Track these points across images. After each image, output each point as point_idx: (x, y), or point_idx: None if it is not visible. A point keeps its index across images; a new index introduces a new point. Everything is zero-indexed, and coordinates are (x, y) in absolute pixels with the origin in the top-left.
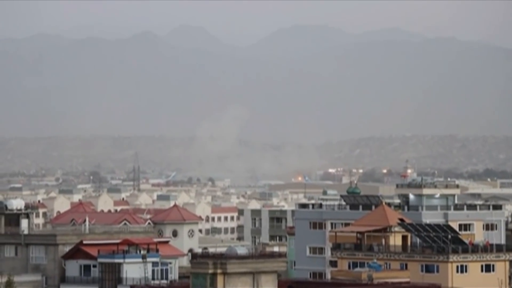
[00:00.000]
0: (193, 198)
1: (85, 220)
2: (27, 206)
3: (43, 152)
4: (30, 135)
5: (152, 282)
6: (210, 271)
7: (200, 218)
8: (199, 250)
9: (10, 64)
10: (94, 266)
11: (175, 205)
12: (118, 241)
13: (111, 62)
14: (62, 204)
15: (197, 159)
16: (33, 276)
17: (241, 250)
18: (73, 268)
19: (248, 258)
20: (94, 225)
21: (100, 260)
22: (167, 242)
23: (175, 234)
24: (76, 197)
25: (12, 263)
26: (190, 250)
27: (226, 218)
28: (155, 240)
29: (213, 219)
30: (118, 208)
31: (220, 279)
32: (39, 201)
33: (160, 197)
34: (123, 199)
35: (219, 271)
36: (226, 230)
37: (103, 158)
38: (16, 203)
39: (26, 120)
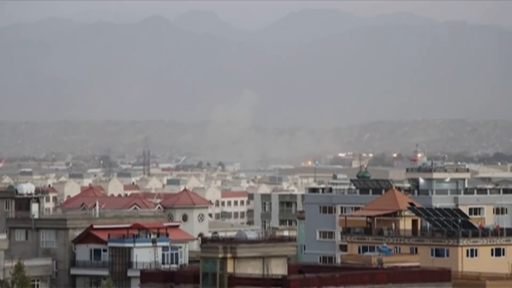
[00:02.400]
0: (203, 182)
1: (95, 205)
2: (37, 191)
3: (54, 137)
4: (40, 120)
5: (162, 266)
6: (220, 255)
7: (210, 202)
8: (209, 235)
9: (20, 49)
10: (105, 250)
11: (185, 190)
12: (128, 225)
13: (122, 47)
14: (72, 189)
15: (208, 143)
16: (44, 260)
17: (251, 235)
18: (83, 252)
19: (258, 242)
20: (104, 210)
21: (110, 244)
22: (177, 226)
23: (185, 218)
24: (86, 182)
25: (23, 247)
26: (200, 235)
27: (236, 203)
28: (165, 224)
29: (223, 203)
30: (128, 193)
31: (230, 263)
32: (49, 186)
33: (170, 182)
34: (133, 183)
35: (229, 255)
36: (236, 214)
37: (113, 143)
38: (27, 188)
39: (36, 105)
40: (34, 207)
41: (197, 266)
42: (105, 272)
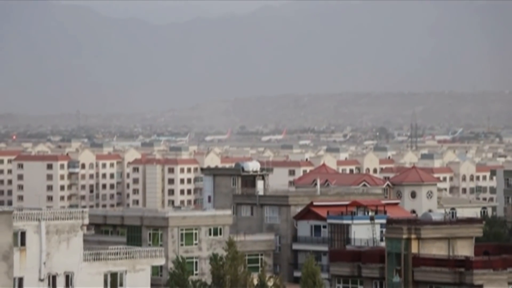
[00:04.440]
0: (460, 156)
1: (326, 181)
2: (262, 168)
3: (335, 109)
4: (322, 92)
5: (381, 243)
6: (404, 236)
7: (438, 179)
8: (438, 211)
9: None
10: (324, 226)
11: (413, 167)
12: (347, 202)
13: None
14: (328, 163)
15: (488, 114)
16: (267, 235)
17: (436, 216)
18: (304, 228)
19: (442, 223)
20: (326, 187)
21: (329, 221)
22: (396, 204)
23: (413, 195)
24: (342, 156)
25: (248, 222)
26: (413, 211)
27: (484, 178)
28: (384, 202)
29: (477, 178)
30: (384, 167)
31: (414, 244)
32: (306, 159)
33: (424, 156)
34: (388, 157)
35: (413, 236)
36: (484, 189)
37: (392, 114)
38: (252, 165)
39: (318, 77)
40: (259, 184)
41: (383, 246)
42: (325, 248)
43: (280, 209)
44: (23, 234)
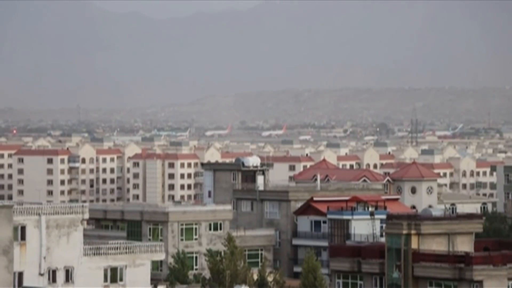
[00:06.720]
0: (460, 151)
1: (326, 176)
2: (262, 163)
3: (335, 104)
4: (322, 87)
5: (381, 239)
6: (404, 231)
7: (438, 175)
8: (439, 207)
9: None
10: (324, 222)
11: (414, 162)
12: (347, 198)
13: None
14: (328, 158)
15: (488, 110)
16: (267, 230)
17: (436, 212)
18: (304, 223)
19: (443, 219)
20: (326, 183)
21: (329, 216)
22: (396, 199)
23: (413, 191)
24: (343, 151)
25: (249, 217)
26: (413, 207)
27: (484, 173)
28: (384, 197)
29: (477, 173)
30: (384, 162)
31: (414, 240)
32: (307, 155)
33: (424, 152)
34: (389, 153)
35: (413, 231)
36: (485, 185)
37: (393, 110)
38: (252, 160)
39: (319, 71)
40: (260, 179)
41: (383, 241)
42: (324, 243)
43: (280, 204)
44: (23, 228)
